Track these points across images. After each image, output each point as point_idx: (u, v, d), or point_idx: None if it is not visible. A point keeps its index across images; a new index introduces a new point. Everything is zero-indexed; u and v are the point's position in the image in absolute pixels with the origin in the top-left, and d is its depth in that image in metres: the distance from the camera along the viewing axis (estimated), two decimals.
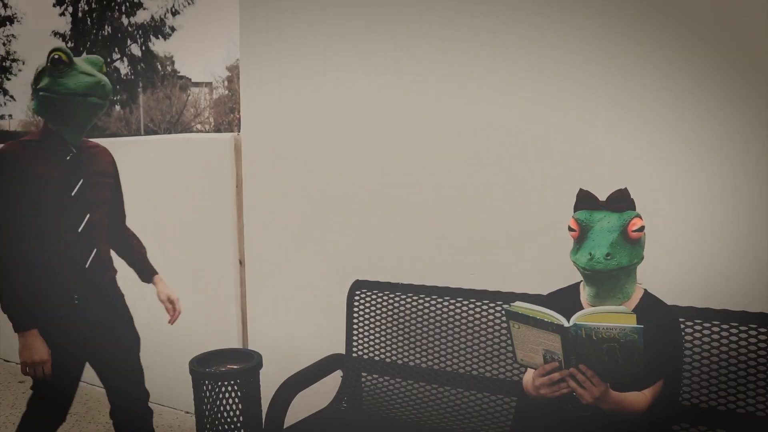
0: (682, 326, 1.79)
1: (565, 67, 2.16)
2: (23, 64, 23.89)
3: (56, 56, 2.00)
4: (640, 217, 1.61)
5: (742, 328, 1.82)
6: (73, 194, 2.07)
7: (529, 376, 1.64)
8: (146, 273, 2.45)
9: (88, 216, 2.11)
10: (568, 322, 1.38)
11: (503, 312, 2.18)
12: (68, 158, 2.09)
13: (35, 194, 2.00)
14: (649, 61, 2.01)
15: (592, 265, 1.56)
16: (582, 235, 1.63)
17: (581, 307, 1.70)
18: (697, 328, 1.88)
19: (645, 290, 1.71)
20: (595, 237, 1.59)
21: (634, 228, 1.59)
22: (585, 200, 1.65)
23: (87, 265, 2.13)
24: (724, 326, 1.85)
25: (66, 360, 2.09)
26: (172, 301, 2.39)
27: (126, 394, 2.28)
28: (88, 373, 2.30)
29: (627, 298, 1.65)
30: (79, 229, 2.10)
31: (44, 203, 2.02)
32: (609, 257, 1.56)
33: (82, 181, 2.10)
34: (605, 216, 1.61)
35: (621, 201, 1.61)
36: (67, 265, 2.08)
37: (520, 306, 1.46)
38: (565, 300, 1.75)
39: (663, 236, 1.96)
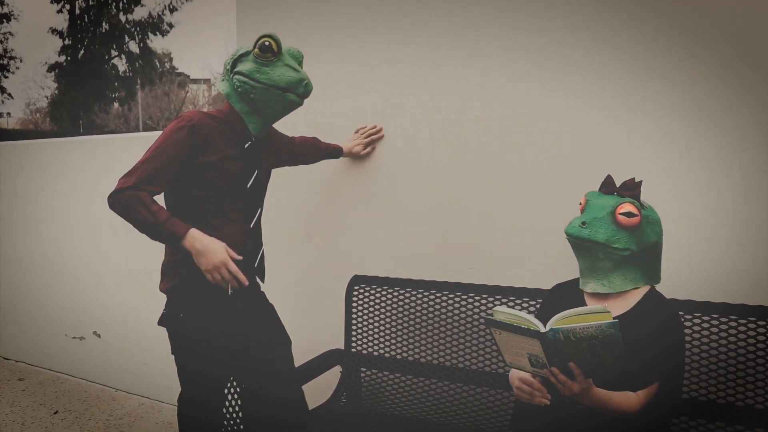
0: (681, 319, 1.77)
1: (570, 65, 2.15)
2: (21, 61, 23.91)
3: (267, 42, 1.85)
4: (635, 206, 1.61)
5: (741, 321, 1.82)
6: (249, 185, 1.95)
7: (513, 374, 1.70)
8: (334, 150, 2.52)
9: (259, 211, 2.01)
10: (545, 327, 1.40)
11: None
12: (246, 146, 1.94)
13: (216, 173, 1.86)
14: (659, 57, 2.00)
15: (568, 230, 1.64)
16: (583, 209, 1.69)
17: (582, 297, 1.72)
18: (696, 321, 1.88)
19: (651, 288, 1.69)
20: (588, 210, 1.66)
21: (621, 211, 1.60)
22: (606, 185, 1.69)
23: (256, 265, 2.00)
24: (723, 319, 1.84)
25: (216, 362, 1.91)
26: (360, 131, 2.56)
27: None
28: (82, 368, 2.27)
29: (613, 288, 1.65)
30: (251, 225, 1.97)
31: (222, 186, 1.88)
32: (584, 225, 1.62)
33: (257, 172, 1.97)
34: (609, 198, 1.65)
35: (628, 188, 1.64)
36: (241, 263, 1.88)
37: (499, 312, 1.50)
38: (568, 290, 1.77)
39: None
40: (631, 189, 1.64)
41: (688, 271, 1.97)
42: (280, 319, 2.13)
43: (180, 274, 1.89)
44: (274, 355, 2.03)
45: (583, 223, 1.61)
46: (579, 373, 1.43)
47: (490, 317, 1.50)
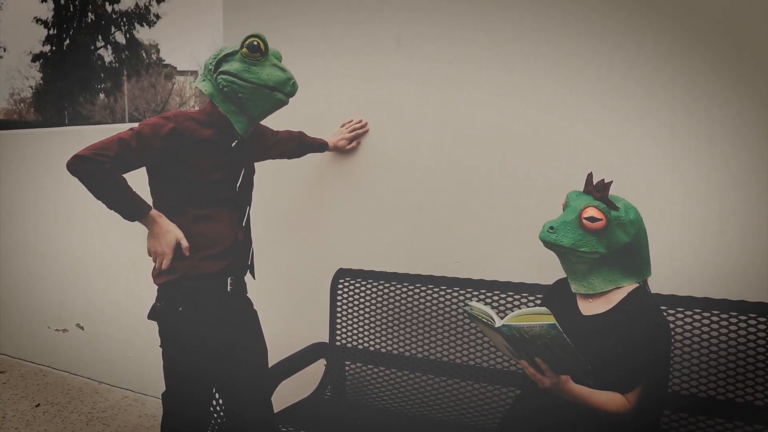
0: (665, 321, 1.67)
1: (567, 62, 2.15)
2: (5, 51, 23.62)
3: (255, 42, 1.85)
4: (599, 209, 1.59)
5: (723, 315, 1.84)
6: (238, 186, 1.95)
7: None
8: (319, 145, 2.52)
9: (248, 209, 2.01)
10: (497, 323, 1.43)
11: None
12: (233, 145, 1.94)
13: (204, 175, 1.86)
14: (662, 55, 1.98)
15: (539, 235, 1.65)
16: (564, 209, 1.68)
17: (573, 294, 1.72)
18: (679, 315, 1.89)
19: (638, 287, 1.65)
20: (565, 212, 1.65)
21: (585, 215, 1.60)
22: (587, 184, 1.67)
23: (249, 262, 2.02)
24: (705, 314, 1.86)
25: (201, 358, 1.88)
26: (345, 125, 2.57)
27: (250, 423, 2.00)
28: (65, 360, 2.25)
29: (593, 290, 1.65)
30: (243, 223, 1.98)
31: (211, 187, 1.88)
32: (551, 231, 1.62)
33: (243, 171, 1.98)
34: (584, 199, 1.63)
35: (597, 190, 1.62)
36: (236, 261, 1.94)
37: (472, 305, 1.52)
38: (565, 286, 1.77)
39: (648, 224, 1.97)
40: (600, 190, 1.62)
41: (672, 266, 1.98)
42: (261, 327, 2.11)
43: (178, 269, 1.86)
44: (255, 360, 2.03)
45: (551, 228, 1.62)
46: (547, 368, 1.45)
47: (466, 310, 1.53)
